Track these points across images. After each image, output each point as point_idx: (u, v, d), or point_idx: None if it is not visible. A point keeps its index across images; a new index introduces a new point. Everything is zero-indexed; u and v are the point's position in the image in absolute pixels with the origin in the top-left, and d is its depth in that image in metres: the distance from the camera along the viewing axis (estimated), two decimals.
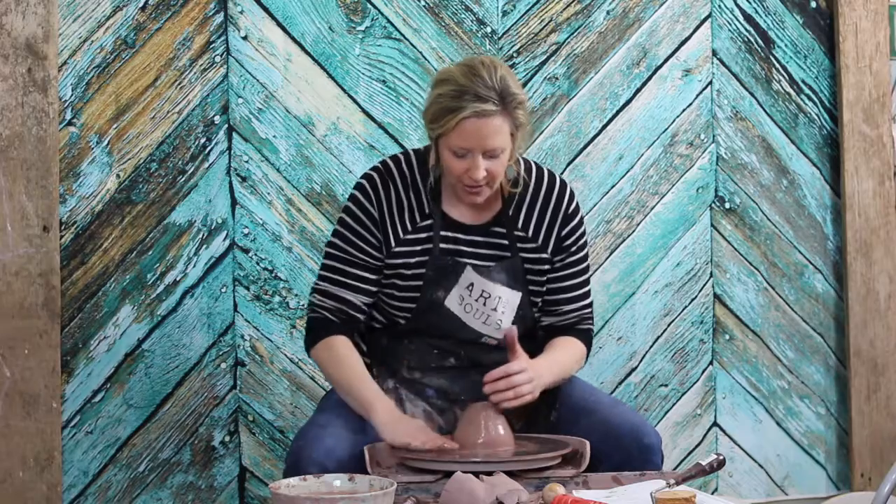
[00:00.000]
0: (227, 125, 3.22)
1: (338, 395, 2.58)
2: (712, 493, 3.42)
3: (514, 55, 3.41)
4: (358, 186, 2.61)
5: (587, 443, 2.43)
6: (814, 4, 3.64)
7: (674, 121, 3.53)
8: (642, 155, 3.51)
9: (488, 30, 3.39)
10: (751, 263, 3.59)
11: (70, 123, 3.10)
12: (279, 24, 3.24)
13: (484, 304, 2.57)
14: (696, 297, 3.55)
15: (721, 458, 2.19)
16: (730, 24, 3.57)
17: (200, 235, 3.20)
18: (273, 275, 3.24)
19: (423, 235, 2.58)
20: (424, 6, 3.34)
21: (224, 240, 3.21)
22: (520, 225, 2.61)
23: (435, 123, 2.48)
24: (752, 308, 3.59)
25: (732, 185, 3.57)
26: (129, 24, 3.14)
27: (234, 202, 3.22)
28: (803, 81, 3.63)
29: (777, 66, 3.61)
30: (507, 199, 2.61)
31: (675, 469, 3.33)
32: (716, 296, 3.57)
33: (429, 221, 2.58)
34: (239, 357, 3.22)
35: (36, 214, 3.02)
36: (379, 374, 2.62)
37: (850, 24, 3.61)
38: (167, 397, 3.18)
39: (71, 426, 3.10)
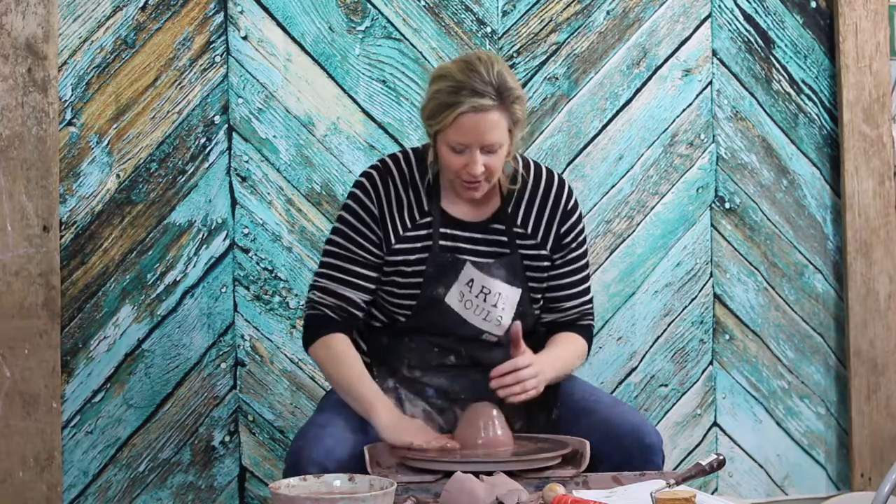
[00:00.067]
0: (227, 125, 3.22)
1: (338, 394, 2.58)
2: (712, 493, 3.42)
3: (514, 55, 3.41)
4: (357, 184, 2.62)
5: (587, 443, 2.43)
6: (814, 4, 3.64)
7: (674, 121, 3.53)
8: (642, 155, 3.51)
9: (488, 30, 3.39)
10: (751, 263, 3.59)
11: (70, 123, 3.10)
12: (279, 24, 3.24)
13: (484, 301, 2.57)
14: (696, 297, 3.55)
15: (721, 458, 2.19)
16: (730, 24, 3.57)
17: (200, 235, 3.20)
18: (273, 275, 3.24)
19: (422, 233, 2.58)
20: (424, 6, 3.34)
21: (224, 240, 3.21)
22: (519, 222, 2.62)
23: (433, 119, 2.48)
24: (752, 308, 3.59)
25: (732, 185, 3.57)
26: (129, 24, 3.14)
27: (234, 202, 3.22)
28: (803, 81, 3.63)
29: (777, 66, 3.61)
30: (506, 196, 2.62)
31: (675, 469, 3.33)
32: (716, 296, 3.57)
33: (428, 219, 2.59)
34: (239, 357, 3.22)
35: (36, 214, 3.02)
36: (379, 374, 2.62)
37: (850, 24, 3.61)
38: (167, 397, 3.18)
39: (71, 426, 3.10)
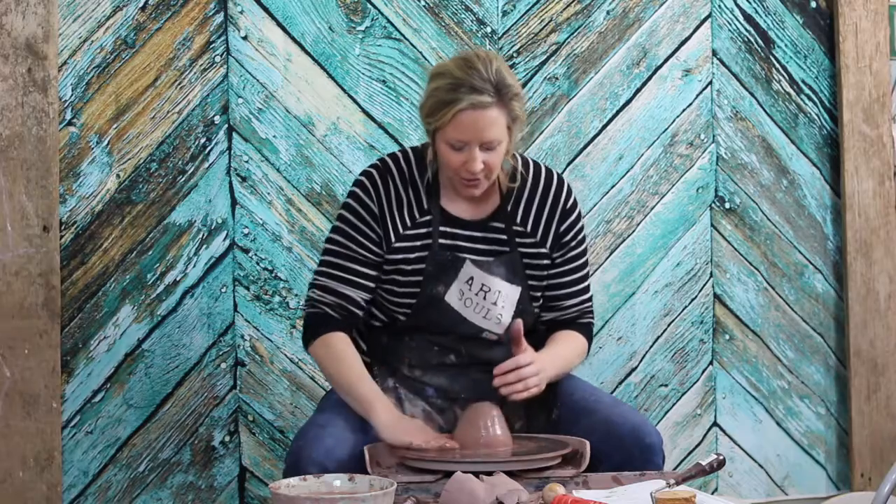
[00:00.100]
0: (227, 125, 3.22)
1: (338, 394, 2.58)
2: (712, 493, 3.42)
3: (514, 55, 3.41)
4: (357, 183, 2.62)
5: (587, 443, 2.43)
6: (814, 4, 3.64)
7: (674, 121, 3.53)
8: (642, 155, 3.51)
9: (488, 30, 3.39)
10: (751, 263, 3.59)
11: (70, 123, 3.10)
12: (279, 24, 3.24)
13: (484, 299, 2.57)
14: (696, 297, 3.55)
15: (721, 458, 2.19)
16: (730, 24, 3.57)
17: (200, 235, 3.20)
18: (273, 275, 3.24)
19: (422, 231, 2.59)
20: (424, 6, 3.34)
21: (224, 240, 3.21)
22: (518, 220, 2.62)
23: (432, 117, 2.49)
24: (752, 308, 3.59)
25: (732, 185, 3.57)
26: (129, 24, 3.14)
27: (234, 202, 3.22)
28: (803, 81, 3.63)
29: (777, 66, 3.61)
30: (506, 194, 2.63)
31: (675, 469, 3.33)
32: (716, 296, 3.57)
33: (428, 217, 2.59)
34: (239, 357, 3.22)
35: (36, 214, 3.02)
36: (379, 374, 2.62)
37: (850, 24, 3.61)
38: (167, 397, 3.18)
39: (71, 426, 3.10)
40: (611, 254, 3.49)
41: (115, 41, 3.13)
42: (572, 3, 3.45)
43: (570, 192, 2.69)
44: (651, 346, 3.52)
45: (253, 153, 3.23)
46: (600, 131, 3.48)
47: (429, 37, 3.34)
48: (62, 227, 3.08)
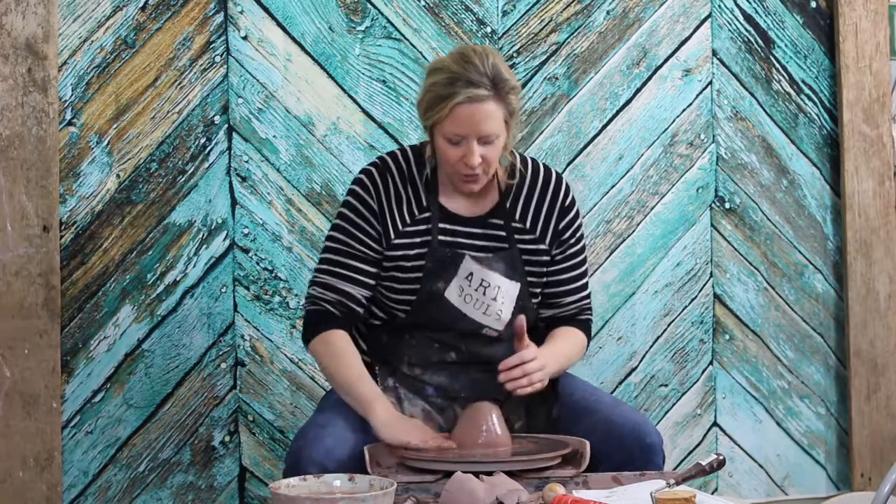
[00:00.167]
0: (227, 125, 3.22)
1: (338, 394, 2.58)
2: (712, 493, 3.42)
3: (514, 55, 3.41)
4: (357, 181, 2.63)
5: (587, 443, 2.43)
6: (814, 4, 3.64)
7: (674, 121, 3.53)
8: (642, 155, 3.51)
9: (488, 30, 3.39)
10: (751, 263, 3.59)
11: (70, 123, 3.10)
12: (279, 24, 3.24)
13: (483, 294, 2.58)
14: (696, 297, 3.55)
15: (721, 458, 2.20)
16: (730, 24, 3.57)
17: (200, 235, 3.20)
18: (273, 275, 3.24)
19: (421, 228, 2.59)
20: (424, 6, 3.34)
21: (224, 240, 3.21)
22: (517, 217, 2.63)
23: (429, 111, 2.50)
24: (752, 308, 3.59)
25: (732, 185, 3.57)
26: (129, 24, 3.14)
27: (234, 202, 3.22)
28: (803, 81, 3.63)
29: (777, 66, 3.61)
30: (504, 191, 2.63)
31: (675, 469, 3.33)
32: (716, 296, 3.57)
33: (427, 214, 2.60)
34: (239, 357, 3.22)
35: (36, 214, 3.02)
36: (380, 373, 2.62)
37: (850, 24, 3.61)
38: (167, 397, 3.18)
39: (71, 426, 3.10)
40: (611, 254, 3.49)
41: (115, 41, 3.13)
42: (572, 3, 3.45)
43: (568, 189, 2.70)
44: (651, 346, 3.52)
45: (253, 153, 3.23)
46: (600, 131, 3.48)
47: (429, 37, 3.34)
48: (62, 227, 3.08)
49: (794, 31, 3.62)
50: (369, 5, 3.30)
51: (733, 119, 3.57)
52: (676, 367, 3.53)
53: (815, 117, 3.64)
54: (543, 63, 3.44)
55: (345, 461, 2.38)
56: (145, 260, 3.16)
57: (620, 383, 3.50)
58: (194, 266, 3.19)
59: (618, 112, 3.49)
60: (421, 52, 3.33)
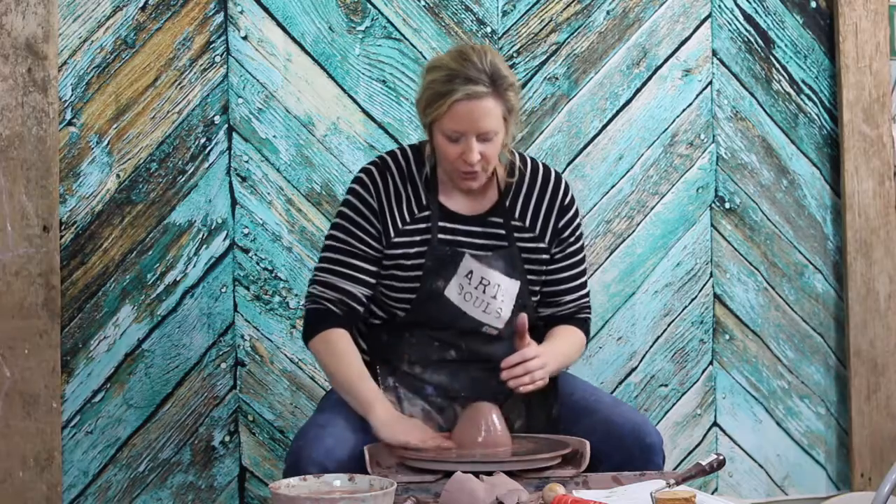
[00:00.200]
0: (227, 125, 3.22)
1: (338, 394, 2.58)
2: (712, 493, 3.42)
3: (514, 55, 3.41)
4: (356, 180, 2.63)
5: (587, 443, 2.43)
6: (814, 4, 3.64)
7: (674, 121, 3.53)
8: (642, 155, 3.51)
9: (488, 30, 3.39)
10: (751, 263, 3.59)
11: (70, 123, 3.10)
12: (279, 24, 3.24)
13: (483, 292, 2.58)
14: (696, 297, 3.55)
15: (721, 458, 2.20)
16: (730, 24, 3.57)
17: (200, 235, 3.20)
18: (273, 275, 3.24)
19: (421, 226, 2.60)
20: (424, 6, 3.34)
21: (224, 240, 3.21)
22: (517, 215, 2.63)
23: (428, 109, 2.51)
24: (752, 308, 3.59)
25: (732, 185, 3.57)
26: (129, 24, 3.14)
27: (234, 202, 3.22)
28: (803, 81, 3.63)
29: (777, 66, 3.61)
30: (504, 190, 2.64)
31: (675, 469, 3.33)
32: (716, 296, 3.57)
33: (427, 212, 2.60)
34: (239, 357, 3.22)
35: (36, 214, 3.02)
36: (380, 372, 2.62)
37: (850, 24, 3.61)
38: (167, 397, 3.18)
39: (71, 426, 3.10)
40: (611, 254, 3.49)
41: (115, 41, 3.13)
42: (572, 3, 3.45)
43: (567, 188, 2.70)
44: (651, 346, 3.52)
45: (253, 153, 3.23)
46: (600, 131, 3.48)
47: (429, 37, 3.34)
48: (62, 227, 3.08)
49: (794, 31, 3.62)
50: (369, 5, 3.30)
51: (733, 119, 3.57)
52: (676, 367, 3.53)
53: (815, 117, 3.64)
54: (543, 63, 3.44)
55: (345, 461, 2.38)
56: (145, 260, 3.16)
57: (620, 383, 3.50)
58: (194, 266, 3.19)
59: (618, 112, 3.49)
60: (421, 52, 3.33)
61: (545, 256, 2.66)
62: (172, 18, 3.17)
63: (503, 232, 2.62)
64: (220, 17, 3.20)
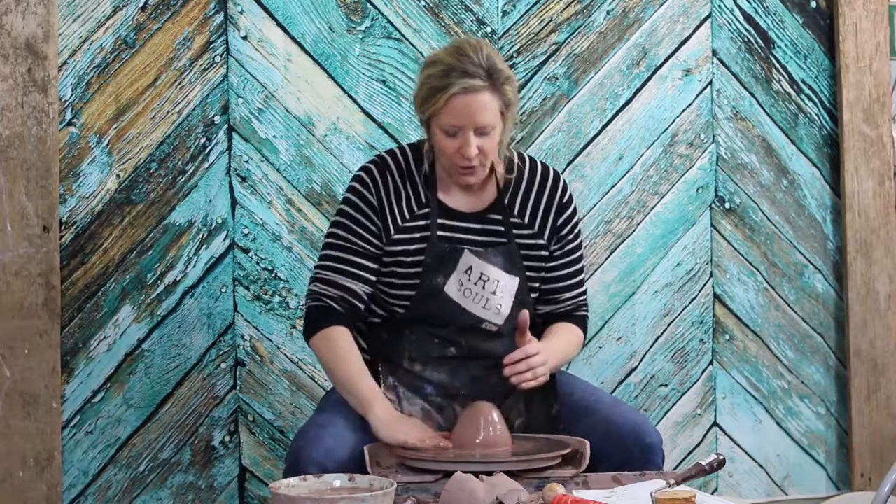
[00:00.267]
0: (227, 125, 3.22)
1: (338, 394, 2.59)
2: (712, 493, 3.42)
3: (514, 55, 3.41)
4: (356, 178, 2.64)
5: (587, 443, 2.43)
6: (814, 4, 3.64)
7: (674, 121, 3.53)
8: (642, 155, 3.51)
9: (488, 30, 3.39)
10: (751, 263, 3.59)
11: (70, 123, 3.10)
12: (279, 24, 3.24)
13: (483, 288, 2.58)
14: (696, 297, 3.55)
15: (721, 458, 2.20)
16: (730, 24, 3.57)
17: (200, 235, 3.20)
18: (273, 275, 3.24)
19: (420, 223, 2.60)
20: (424, 6, 3.34)
21: (224, 240, 3.21)
22: (515, 212, 2.64)
23: (425, 104, 2.52)
24: (752, 308, 3.59)
25: (732, 185, 3.57)
26: (129, 24, 3.14)
27: (234, 202, 3.22)
28: (803, 81, 3.63)
29: (777, 66, 3.61)
30: (503, 187, 2.64)
31: (675, 469, 3.33)
32: (716, 296, 3.57)
33: (426, 210, 2.61)
34: (239, 357, 3.22)
35: (36, 214, 3.02)
36: (381, 371, 2.62)
37: (850, 24, 3.61)
38: (167, 397, 3.18)
39: (71, 426, 3.10)
40: (611, 254, 3.49)
41: (115, 41, 3.13)
42: (572, 3, 3.45)
43: (565, 186, 2.71)
44: (651, 346, 3.52)
45: (253, 153, 3.23)
46: (600, 131, 3.48)
47: (429, 37, 3.34)
48: (62, 227, 3.08)
49: (794, 31, 3.62)
50: (369, 5, 3.30)
51: (733, 119, 3.57)
52: (676, 367, 3.53)
53: (815, 117, 3.64)
54: (543, 63, 3.44)
55: (345, 461, 2.38)
56: (145, 260, 3.16)
57: (620, 383, 3.50)
58: (194, 266, 3.19)
59: (618, 112, 3.49)
60: (421, 52, 3.33)
61: (544, 253, 2.66)
62: (172, 18, 3.17)
63: (502, 228, 2.63)
64: (220, 17, 3.21)
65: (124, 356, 3.14)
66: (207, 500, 3.20)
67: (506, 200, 2.65)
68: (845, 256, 3.62)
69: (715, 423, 3.57)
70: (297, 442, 2.44)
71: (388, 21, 3.31)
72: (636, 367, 3.51)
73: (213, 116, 3.20)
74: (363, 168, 2.65)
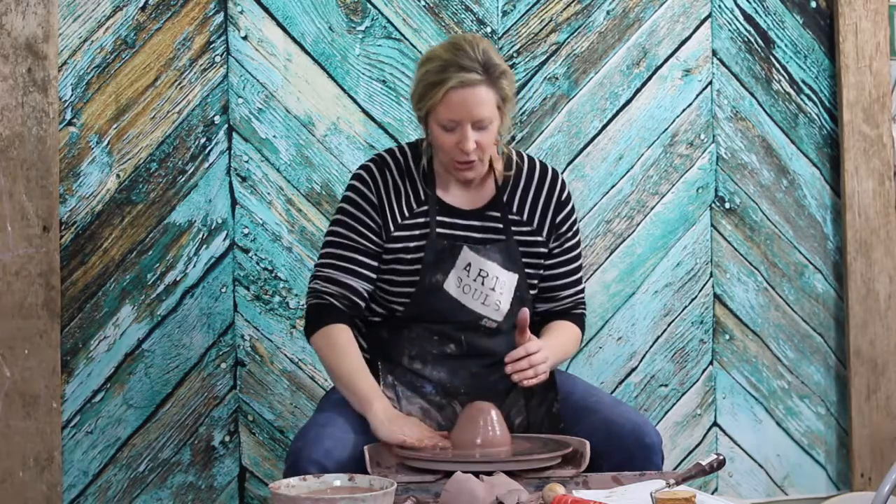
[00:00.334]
0: (227, 125, 3.22)
1: (338, 394, 2.59)
2: (712, 493, 3.42)
3: (514, 55, 3.41)
4: (356, 176, 2.65)
5: (587, 443, 2.43)
6: (814, 4, 3.64)
7: (674, 121, 3.53)
8: (642, 155, 3.51)
9: (488, 30, 3.39)
10: (751, 263, 3.59)
11: (70, 123, 3.10)
12: (279, 24, 3.24)
13: (482, 284, 2.59)
14: (696, 297, 3.55)
15: (721, 458, 2.20)
16: (730, 24, 3.57)
17: (200, 235, 3.20)
18: (273, 275, 3.24)
19: (420, 221, 2.61)
20: (424, 6, 3.34)
21: (224, 240, 3.21)
22: (514, 209, 2.65)
23: (422, 100, 2.54)
24: (752, 308, 3.59)
25: (732, 185, 3.57)
26: (129, 24, 3.14)
27: (234, 202, 3.22)
28: (803, 81, 3.63)
29: (777, 66, 3.61)
30: (501, 184, 2.65)
31: (675, 469, 3.33)
32: (716, 296, 3.57)
33: (425, 207, 2.61)
34: (239, 357, 3.22)
35: (36, 214, 3.02)
36: (381, 369, 2.62)
37: (850, 24, 3.61)
38: (167, 397, 3.18)
39: (71, 426, 3.10)
40: (611, 254, 3.49)
41: (115, 41, 3.13)
42: (572, 3, 3.45)
43: (564, 184, 2.72)
44: (651, 346, 3.52)
45: (253, 153, 3.23)
46: (600, 131, 3.48)
47: (429, 37, 3.34)
48: (62, 227, 3.08)
49: (794, 31, 3.62)
50: (369, 5, 3.30)
51: (733, 119, 3.57)
52: (676, 367, 3.53)
53: (815, 117, 3.64)
54: (543, 63, 3.44)
55: (345, 461, 2.38)
56: (145, 260, 3.16)
57: (620, 383, 3.50)
58: (194, 266, 3.19)
59: (618, 112, 3.49)
60: (421, 52, 3.32)
61: (543, 250, 2.67)
62: (172, 18, 3.17)
63: (500, 226, 2.64)
64: (220, 17, 3.21)
65: (124, 356, 3.14)
66: (207, 500, 3.20)
67: (504, 198, 2.65)
68: (845, 256, 3.62)
69: (715, 423, 3.57)
70: (296, 442, 2.44)
71: (388, 21, 3.31)
72: (636, 367, 3.51)
73: (213, 116, 3.20)
74: (362, 167, 2.66)
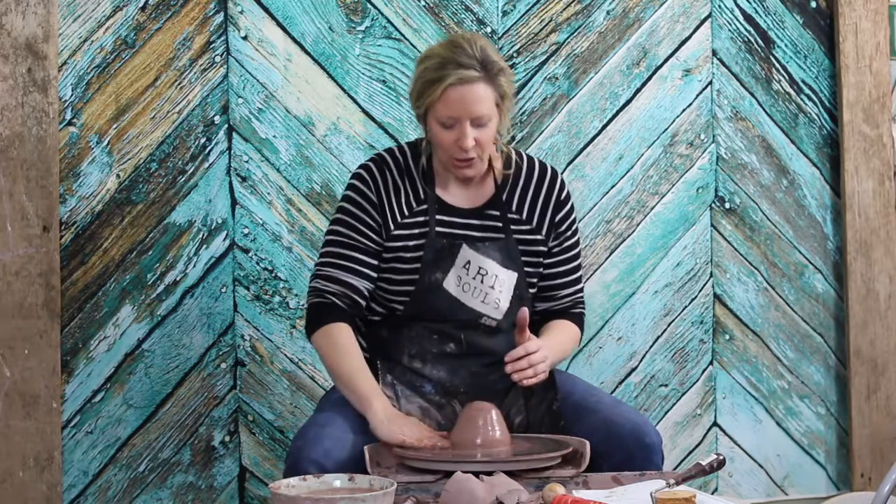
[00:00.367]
0: (227, 125, 3.22)
1: (338, 394, 2.59)
2: (712, 493, 3.42)
3: (514, 55, 3.41)
4: (355, 175, 2.66)
5: (587, 443, 2.43)
6: (814, 4, 3.64)
7: (674, 121, 3.53)
8: (642, 155, 3.51)
9: (488, 30, 3.39)
10: (751, 263, 3.59)
11: (70, 123, 3.10)
12: (279, 24, 3.24)
13: (482, 282, 2.59)
14: (696, 297, 3.55)
15: (721, 458, 2.20)
16: (730, 24, 3.57)
17: (200, 235, 3.20)
18: (273, 275, 3.24)
19: (419, 219, 2.62)
20: (424, 6, 3.34)
21: (224, 240, 3.21)
22: (513, 208, 2.66)
23: (421, 98, 2.55)
24: (752, 308, 3.59)
25: (732, 185, 3.57)
26: (129, 24, 3.14)
27: (234, 202, 3.22)
28: (803, 81, 3.63)
29: (777, 66, 3.61)
30: (501, 183, 2.66)
31: (675, 469, 3.33)
32: (716, 296, 3.57)
33: (424, 206, 2.62)
34: (239, 357, 3.22)
35: (36, 214, 3.02)
36: (381, 369, 2.62)
37: (850, 24, 3.61)
38: (167, 397, 3.18)
39: (71, 426, 3.10)
40: (611, 254, 3.49)
41: (115, 41, 3.13)
42: (572, 3, 3.45)
43: (563, 183, 2.73)
44: (651, 346, 3.52)
45: (253, 153, 3.23)
46: (600, 131, 3.48)
47: (429, 37, 3.34)
48: (62, 227, 3.08)
49: (794, 31, 3.62)
50: (369, 5, 3.30)
51: (733, 119, 3.57)
52: (676, 367, 3.53)
53: (815, 117, 3.64)
54: (543, 63, 3.44)
55: (344, 461, 2.38)
56: (145, 260, 3.16)
57: (620, 383, 3.50)
58: (194, 266, 3.19)
59: (618, 112, 3.49)
60: (420, 52, 3.32)
61: (542, 249, 2.67)
62: (172, 18, 3.17)
63: (500, 224, 2.64)
64: (220, 17, 3.21)
65: (124, 356, 3.14)
66: (207, 500, 3.20)
67: (504, 196, 2.66)
68: (845, 256, 3.62)
69: (715, 423, 3.57)
70: (296, 442, 2.44)
71: (388, 21, 3.31)
72: (636, 367, 3.51)
73: (213, 116, 3.20)
74: (362, 166, 2.67)
